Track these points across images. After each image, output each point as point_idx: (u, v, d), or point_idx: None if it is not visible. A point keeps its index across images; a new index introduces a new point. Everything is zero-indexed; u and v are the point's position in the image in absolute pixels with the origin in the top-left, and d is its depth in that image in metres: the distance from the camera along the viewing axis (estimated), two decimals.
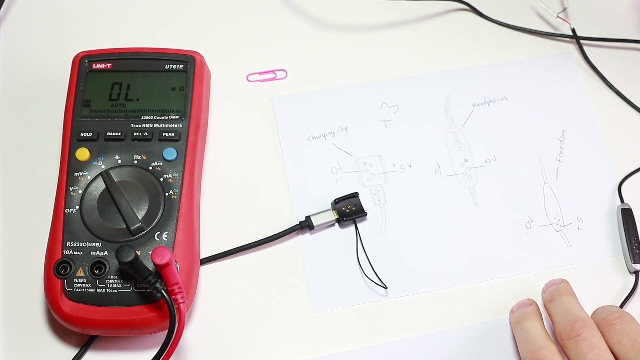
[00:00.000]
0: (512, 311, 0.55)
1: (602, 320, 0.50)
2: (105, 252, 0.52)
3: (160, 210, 0.53)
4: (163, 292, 0.49)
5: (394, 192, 0.60)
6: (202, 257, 0.56)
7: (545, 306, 0.54)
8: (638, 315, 0.52)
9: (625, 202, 0.60)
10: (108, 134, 0.55)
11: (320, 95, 0.64)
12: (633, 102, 0.65)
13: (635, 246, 0.58)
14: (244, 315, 0.55)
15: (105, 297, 0.51)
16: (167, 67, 0.58)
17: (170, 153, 0.55)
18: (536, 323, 0.52)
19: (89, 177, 0.54)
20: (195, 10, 0.67)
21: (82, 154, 0.55)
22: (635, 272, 0.57)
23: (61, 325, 0.53)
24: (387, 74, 0.65)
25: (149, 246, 0.52)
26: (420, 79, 0.65)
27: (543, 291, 0.55)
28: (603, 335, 0.49)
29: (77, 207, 0.53)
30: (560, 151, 0.62)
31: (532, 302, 0.54)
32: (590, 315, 0.51)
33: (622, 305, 0.56)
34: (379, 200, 0.60)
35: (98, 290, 0.51)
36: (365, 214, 0.58)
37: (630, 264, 0.57)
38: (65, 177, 0.54)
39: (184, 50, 0.58)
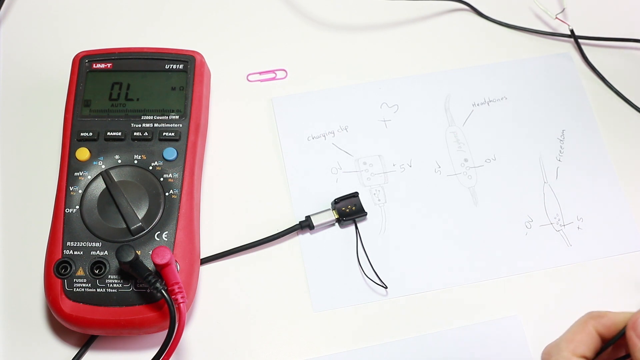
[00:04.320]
0: None
1: None
2: (106, 252, 0.52)
3: (161, 210, 0.53)
4: (163, 292, 0.49)
5: (394, 192, 0.60)
6: (202, 257, 0.56)
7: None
8: None
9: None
10: (108, 133, 0.55)
11: (320, 95, 0.64)
12: (632, 102, 0.64)
13: None
14: (244, 315, 0.55)
15: (105, 297, 0.51)
16: (167, 67, 0.58)
17: (170, 153, 0.55)
18: None
19: (89, 177, 0.54)
20: (195, 10, 0.67)
21: (82, 153, 0.55)
22: None
23: (61, 325, 0.53)
24: (387, 74, 0.65)
25: (149, 246, 0.52)
26: (420, 78, 0.65)
27: None
28: None
29: (77, 207, 0.53)
30: (560, 151, 0.62)
31: None
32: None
33: None
34: (379, 200, 0.60)
35: (98, 290, 0.51)
36: (365, 213, 0.58)
37: None
38: (65, 177, 0.54)
39: (184, 50, 0.59)
